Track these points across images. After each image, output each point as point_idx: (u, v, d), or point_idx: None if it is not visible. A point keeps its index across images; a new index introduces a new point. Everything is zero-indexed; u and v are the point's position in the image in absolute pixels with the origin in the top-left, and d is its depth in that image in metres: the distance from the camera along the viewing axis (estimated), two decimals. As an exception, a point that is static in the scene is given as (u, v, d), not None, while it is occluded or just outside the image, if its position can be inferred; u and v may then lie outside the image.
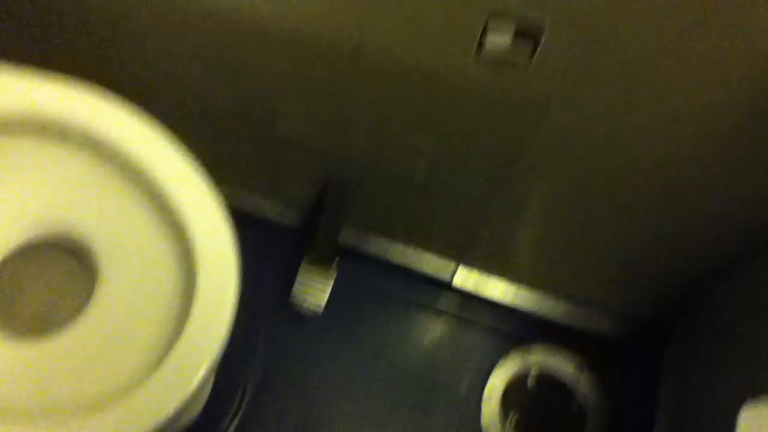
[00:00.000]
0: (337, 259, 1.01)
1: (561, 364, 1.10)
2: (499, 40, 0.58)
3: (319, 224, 0.99)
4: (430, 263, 1.06)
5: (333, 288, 1.01)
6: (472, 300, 1.09)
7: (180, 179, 0.73)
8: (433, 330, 1.11)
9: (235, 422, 1.01)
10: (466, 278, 1.06)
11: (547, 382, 1.09)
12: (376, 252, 1.06)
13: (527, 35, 0.58)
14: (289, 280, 1.01)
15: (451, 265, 1.06)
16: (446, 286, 1.07)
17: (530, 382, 1.09)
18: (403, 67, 0.67)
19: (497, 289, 1.06)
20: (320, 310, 1.00)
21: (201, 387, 0.65)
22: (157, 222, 0.79)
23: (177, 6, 0.71)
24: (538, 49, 0.59)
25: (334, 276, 1.01)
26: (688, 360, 0.92)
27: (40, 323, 0.83)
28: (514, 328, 1.11)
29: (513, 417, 1.06)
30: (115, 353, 0.76)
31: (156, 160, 0.73)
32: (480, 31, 0.59)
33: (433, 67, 0.66)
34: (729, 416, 0.65)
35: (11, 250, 0.83)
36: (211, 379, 0.79)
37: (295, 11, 0.66)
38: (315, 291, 0.99)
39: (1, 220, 0.81)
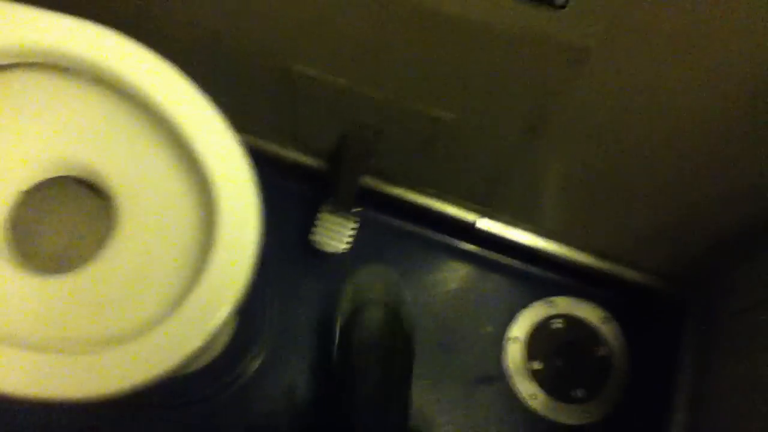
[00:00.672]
0: (357, 207, 0.99)
1: (586, 312, 1.09)
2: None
3: (339, 171, 0.97)
4: (455, 208, 1.04)
5: (353, 229, 1.00)
6: (497, 245, 1.07)
7: (197, 117, 0.71)
8: (457, 273, 1.10)
9: (256, 363, 1.03)
10: (491, 224, 1.04)
11: (572, 328, 1.08)
12: (398, 196, 1.04)
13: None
14: (308, 224, 1.00)
15: (477, 210, 1.03)
16: (471, 230, 1.05)
17: (555, 327, 1.08)
18: (429, 11, 0.63)
19: (524, 236, 1.04)
20: (338, 252, 0.98)
21: (223, 326, 0.64)
22: (175, 160, 0.78)
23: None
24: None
25: (354, 223, 0.99)
26: (713, 316, 0.90)
27: (59, 259, 0.85)
28: (540, 275, 1.10)
29: (536, 360, 1.06)
30: (135, 291, 0.77)
31: (173, 99, 0.71)
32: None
33: (465, 9, 0.62)
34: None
35: (30, 185, 0.84)
36: (234, 319, 0.80)
37: None
38: (334, 236, 0.97)
39: (19, 155, 0.82)
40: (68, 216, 0.88)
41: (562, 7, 0.56)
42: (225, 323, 0.64)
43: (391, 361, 0.92)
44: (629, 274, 1.03)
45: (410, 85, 0.78)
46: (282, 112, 0.94)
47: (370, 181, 1.02)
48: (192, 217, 0.77)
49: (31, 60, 0.73)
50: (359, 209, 0.99)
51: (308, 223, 0.99)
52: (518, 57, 0.65)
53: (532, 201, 0.96)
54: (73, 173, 0.86)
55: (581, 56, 0.61)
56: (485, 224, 1.03)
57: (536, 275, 1.10)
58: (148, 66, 0.71)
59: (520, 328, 1.08)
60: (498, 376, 1.05)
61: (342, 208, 0.98)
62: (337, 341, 0.93)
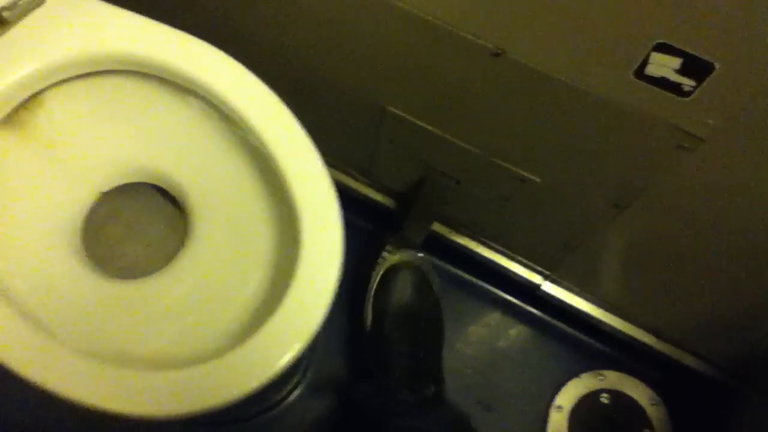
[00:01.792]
0: (422, 251, 0.98)
1: (636, 391, 1.05)
2: (661, 70, 0.53)
3: (409, 212, 0.96)
4: (519, 267, 1.02)
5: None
6: (554, 309, 1.05)
7: (290, 144, 0.70)
8: (508, 331, 1.08)
9: (301, 387, 1.01)
10: (553, 288, 1.02)
11: (619, 405, 1.05)
12: (463, 245, 1.03)
13: (693, 71, 0.52)
14: (367, 257, 0.99)
15: (541, 273, 1.01)
16: (532, 291, 1.03)
17: (602, 401, 1.05)
18: (543, 75, 0.62)
19: (584, 305, 1.02)
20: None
21: (294, 360, 0.63)
22: (259, 181, 0.78)
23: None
24: (702, 86, 0.53)
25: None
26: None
27: (127, 265, 0.85)
28: (593, 346, 1.07)
29: None
30: (204, 306, 0.76)
31: (265, 120, 0.71)
32: (643, 58, 0.54)
33: (577, 81, 0.61)
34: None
35: (111, 187, 0.85)
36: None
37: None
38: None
39: (105, 156, 0.83)
40: (140, 222, 0.89)
41: (687, 95, 0.55)
42: (297, 357, 0.63)
43: (422, 323, 0.92)
44: (686, 358, 1.00)
45: (503, 143, 0.77)
46: (362, 145, 0.94)
47: (436, 227, 1.01)
48: (270, 240, 0.77)
49: (126, 68, 0.73)
50: (422, 253, 0.98)
51: (367, 257, 0.99)
52: (625, 134, 0.64)
53: (600, 272, 0.94)
54: (152, 180, 0.87)
55: (693, 144, 0.60)
56: (547, 287, 1.02)
57: (589, 345, 1.07)
58: (241, 82, 0.72)
59: (566, 397, 1.05)
60: (537, 444, 1.02)
61: (408, 249, 0.97)
62: (370, 309, 0.93)
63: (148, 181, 0.87)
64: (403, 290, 0.92)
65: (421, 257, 0.95)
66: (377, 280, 0.94)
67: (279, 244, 0.77)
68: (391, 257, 0.94)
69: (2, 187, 0.73)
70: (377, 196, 1.04)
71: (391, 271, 0.93)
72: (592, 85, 0.60)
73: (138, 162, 0.84)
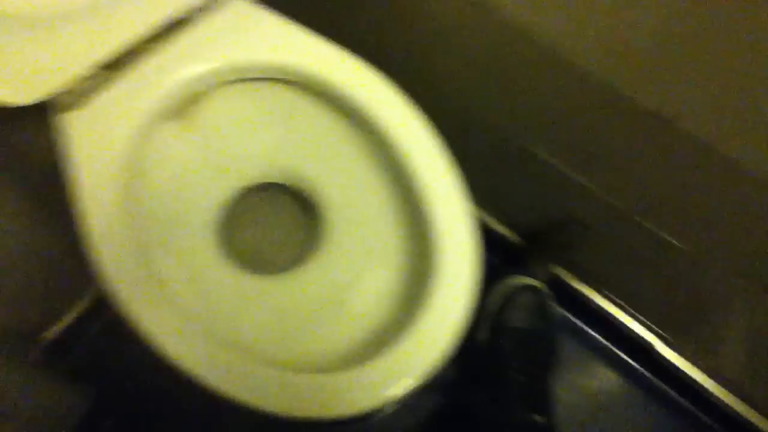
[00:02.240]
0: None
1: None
2: None
3: (535, 251, 0.95)
4: (638, 326, 0.99)
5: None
6: (665, 373, 1.01)
7: (429, 161, 0.70)
8: (611, 385, 1.05)
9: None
10: (669, 353, 0.98)
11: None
12: (581, 293, 1.00)
13: None
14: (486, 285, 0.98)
15: (659, 336, 0.98)
16: (645, 352, 1.00)
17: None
18: (720, 155, 0.60)
19: (697, 375, 0.97)
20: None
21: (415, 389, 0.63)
22: (395, 197, 0.79)
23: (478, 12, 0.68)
24: None
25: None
26: None
27: (264, 261, 0.88)
28: (701, 420, 1.02)
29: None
30: (328, 310, 0.78)
31: (408, 139, 0.71)
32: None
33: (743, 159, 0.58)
34: None
35: (252, 184, 0.88)
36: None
37: (602, 52, 0.60)
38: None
39: (251, 154, 0.85)
40: (274, 221, 0.91)
41: None
42: (418, 386, 0.63)
43: (539, 344, 0.92)
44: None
45: (654, 206, 0.74)
46: (497, 177, 0.93)
47: (557, 269, 0.99)
48: (400, 257, 0.77)
49: (280, 76, 0.76)
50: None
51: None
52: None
53: (725, 347, 0.89)
54: (289, 182, 0.89)
55: None
56: (662, 350, 0.98)
57: (697, 417, 1.02)
58: (388, 99, 0.72)
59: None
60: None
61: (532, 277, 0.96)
62: (488, 322, 0.93)
63: (285, 182, 0.89)
64: (524, 310, 0.92)
65: (545, 286, 0.94)
66: (500, 295, 0.94)
67: (409, 263, 0.77)
68: (516, 278, 0.93)
69: (163, 171, 0.77)
70: (499, 227, 1.02)
71: (515, 291, 0.93)
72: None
73: (278, 163, 0.87)
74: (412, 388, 0.63)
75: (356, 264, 0.81)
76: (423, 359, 0.64)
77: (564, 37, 0.62)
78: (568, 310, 1.06)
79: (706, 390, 0.97)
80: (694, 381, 0.97)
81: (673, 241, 0.76)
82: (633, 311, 0.98)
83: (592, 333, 1.06)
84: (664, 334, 0.97)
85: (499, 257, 1.06)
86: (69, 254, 0.86)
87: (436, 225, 0.68)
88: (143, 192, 0.73)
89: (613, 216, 0.79)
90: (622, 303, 0.98)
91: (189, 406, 0.95)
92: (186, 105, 0.75)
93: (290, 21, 0.73)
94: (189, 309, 0.64)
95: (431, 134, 0.70)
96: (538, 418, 0.88)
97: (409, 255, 0.77)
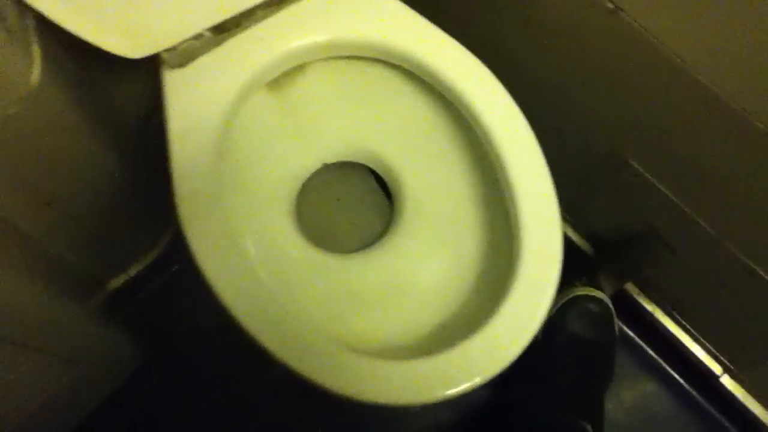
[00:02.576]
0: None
1: None
2: None
3: (609, 263, 0.93)
4: (702, 352, 0.96)
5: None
6: (725, 407, 0.98)
7: (522, 157, 0.68)
8: (669, 410, 1.02)
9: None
10: (732, 384, 0.95)
11: None
12: (649, 311, 0.98)
13: None
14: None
15: (724, 365, 0.95)
16: (707, 380, 0.97)
17: None
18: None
19: (760, 412, 0.94)
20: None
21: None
22: (479, 189, 0.78)
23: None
24: None
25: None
26: None
27: (336, 238, 0.88)
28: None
29: None
30: (400, 295, 0.78)
31: (504, 133, 0.69)
32: None
33: None
34: None
35: (334, 160, 0.88)
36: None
37: (720, 64, 0.58)
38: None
39: (338, 131, 0.85)
40: (349, 200, 0.91)
41: None
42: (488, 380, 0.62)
43: (596, 356, 0.90)
44: None
45: (746, 232, 0.72)
46: (582, 184, 0.91)
47: (630, 286, 0.97)
48: (477, 249, 0.76)
49: (381, 57, 0.74)
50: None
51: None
52: None
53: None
54: (371, 163, 0.89)
55: None
56: (726, 381, 0.95)
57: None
58: (489, 91, 0.70)
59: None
60: None
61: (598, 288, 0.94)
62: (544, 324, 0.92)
63: (367, 163, 0.89)
64: (585, 318, 0.90)
65: (609, 299, 0.92)
66: (562, 300, 0.92)
67: (486, 258, 0.76)
68: (581, 287, 0.92)
69: (251, 138, 0.77)
70: (574, 235, 1.01)
71: (578, 299, 0.91)
72: None
73: (364, 143, 0.86)
74: (476, 386, 0.62)
75: (429, 252, 0.80)
76: (495, 358, 0.62)
77: (682, 44, 0.61)
78: (630, 324, 1.04)
79: (765, 427, 0.94)
80: (757, 417, 0.94)
81: (761, 272, 0.74)
82: (700, 336, 0.95)
83: (652, 352, 1.04)
84: (729, 364, 0.94)
85: (566, 261, 1.04)
86: (144, 208, 0.87)
87: (523, 223, 0.66)
88: (231, 156, 0.73)
89: (701, 239, 0.77)
90: (689, 326, 0.95)
91: (235, 371, 0.96)
92: (283, 76, 0.75)
93: (405, 4, 0.72)
94: (261, 277, 0.64)
95: (530, 133, 0.69)
96: (585, 424, 0.86)
97: (486, 249, 0.76)
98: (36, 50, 0.58)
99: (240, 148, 0.76)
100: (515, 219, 0.67)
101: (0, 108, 0.55)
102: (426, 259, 0.80)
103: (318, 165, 0.87)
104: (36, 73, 0.58)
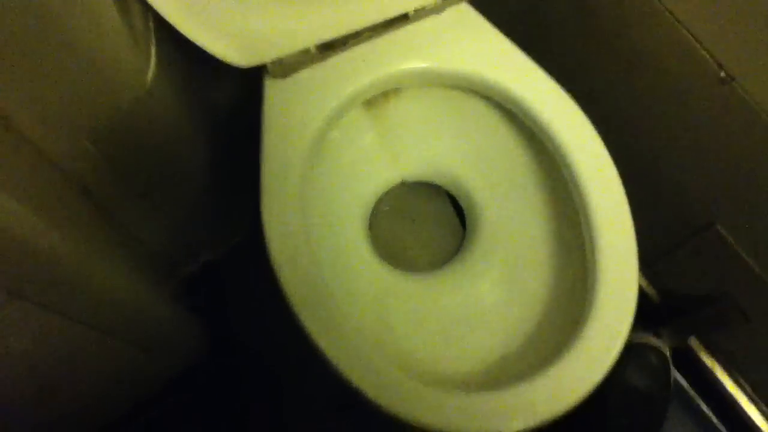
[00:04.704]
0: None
1: None
2: None
3: (678, 316, 0.91)
4: (759, 415, 0.94)
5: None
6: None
7: (604, 196, 0.68)
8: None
9: None
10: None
11: None
12: (709, 370, 0.96)
13: None
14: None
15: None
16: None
17: None
18: None
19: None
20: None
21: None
22: (557, 222, 0.78)
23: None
24: None
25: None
26: None
27: (407, 258, 0.89)
28: None
29: None
30: (470, 319, 0.78)
31: (590, 176, 0.69)
32: None
33: None
34: None
35: (411, 179, 0.88)
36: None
37: None
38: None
39: (419, 153, 0.86)
40: (423, 221, 0.92)
41: None
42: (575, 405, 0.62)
43: (649, 409, 0.89)
44: None
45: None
46: (661, 237, 0.89)
47: (693, 340, 0.95)
48: (554, 279, 0.76)
49: (474, 88, 0.75)
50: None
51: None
52: None
53: None
54: (448, 187, 0.90)
55: None
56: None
57: None
58: (578, 130, 0.70)
59: None
60: None
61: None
62: None
63: (446, 185, 0.90)
64: (644, 371, 0.89)
65: (668, 351, 0.91)
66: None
67: (556, 294, 0.75)
68: (644, 336, 0.90)
69: (341, 154, 0.79)
70: (642, 281, 0.99)
71: (638, 348, 0.90)
72: None
73: (446, 167, 0.87)
74: (533, 427, 0.62)
75: (498, 282, 0.80)
76: (558, 401, 0.62)
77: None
78: (685, 376, 1.02)
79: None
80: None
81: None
82: (761, 402, 0.93)
83: (705, 408, 1.01)
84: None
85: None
86: (231, 200, 0.90)
87: (600, 270, 0.66)
88: (318, 165, 0.75)
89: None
90: (755, 395, 0.93)
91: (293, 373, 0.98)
92: (379, 95, 0.76)
93: (508, 39, 0.72)
94: (331, 287, 0.65)
95: (618, 182, 0.68)
96: None
97: (557, 288, 0.75)
98: (153, 51, 0.61)
99: (328, 158, 0.77)
100: (592, 264, 0.66)
101: (115, 103, 0.58)
102: (493, 289, 0.81)
103: (397, 181, 0.88)
104: (151, 74, 0.60)
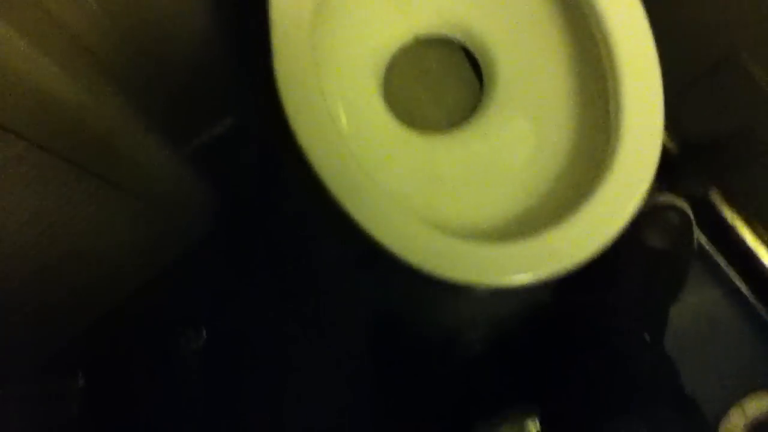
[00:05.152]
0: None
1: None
2: None
3: (696, 163, 0.90)
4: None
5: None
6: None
7: (627, 31, 0.65)
8: (731, 320, 1.02)
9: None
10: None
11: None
12: (729, 223, 0.95)
13: None
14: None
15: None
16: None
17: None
18: None
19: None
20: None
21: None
22: (577, 67, 0.75)
23: None
24: None
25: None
26: None
27: (422, 116, 0.87)
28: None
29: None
30: (494, 174, 0.78)
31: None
32: None
33: None
34: None
35: (424, 34, 0.85)
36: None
37: None
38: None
39: (430, 3, 0.82)
40: (438, 77, 0.89)
41: None
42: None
43: (669, 268, 0.90)
44: None
45: None
46: (678, 73, 0.85)
47: (713, 195, 0.94)
48: (576, 125, 0.75)
49: None
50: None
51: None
52: None
53: None
54: (463, 40, 0.86)
55: None
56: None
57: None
58: None
59: (755, 405, 1.00)
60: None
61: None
62: None
63: (461, 39, 0.86)
64: (665, 231, 0.88)
65: (689, 209, 0.90)
66: (642, 209, 0.91)
67: (578, 144, 0.74)
68: (663, 195, 0.90)
69: (345, 7, 0.75)
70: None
71: (658, 209, 0.89)
72: None
73: (460, 18, 0.84)
74: (571, 268, 0.62)
75: (517, 136, 0.79)
76: (578, 249, 0.62)
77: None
78: (704, 231, 1.02)
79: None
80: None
81: None
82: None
83: (723, 262, 1.02)
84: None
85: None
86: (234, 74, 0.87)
87: (624, 115, 0.64)
88: (327, 25, 0.72)
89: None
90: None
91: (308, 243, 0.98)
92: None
93: None
94: (353, 148, 0.64)
95: (645, 19, 0.65)
96: (642, 333, 0.86)
97: (580, 138, 0.74)
98: None
99: (336, 17, 0.74)
100: (616, 112, 0.65)
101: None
102: (513, 142, 0.79)
103: (410, 37, 0.84)
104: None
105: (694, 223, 0.90)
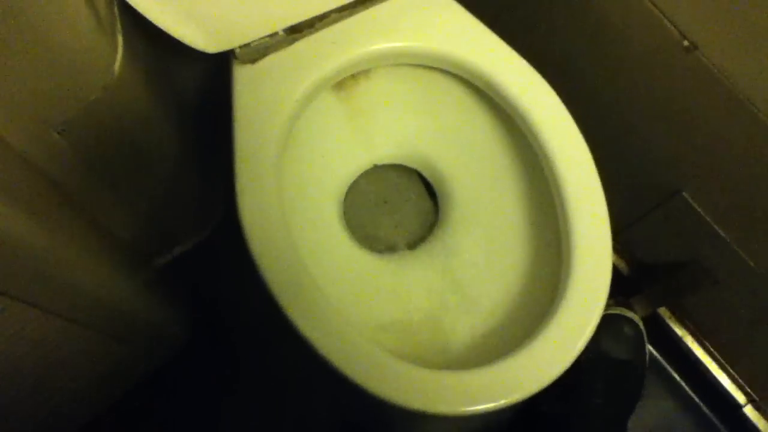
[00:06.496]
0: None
1: None
2: None
3: (647, 286, 0.93)
4: (727, 380, 0.97)
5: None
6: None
7: (575, 167, 0.69)
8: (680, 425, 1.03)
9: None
10: (754, 415, 0.96)
11: None
12: (678, 336, 0.99)
13: None
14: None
15: (749, 395, 0.96)
16: (730, 409, 0.98)
17: None
18: None
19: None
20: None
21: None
22: (530, 202, 0.78)
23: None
24: None
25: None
26: None
27: (380, 239, 0.89)
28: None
29: None
30: (449, 297, 0.79)
31: (562, 152, 0.69)
32: None
33: None
34: None
35: (382, 162, 0.89)
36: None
37: None
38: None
39: (391, 135, 0.87)
40: (395, 202, 0.92)
41: None
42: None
43: (626, 379, 0.90)
44: None
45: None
46: (629, 206, 0.90)
47: (663, 310, 0.98)
48: (529, 253, 0.77)
49: (443, 67, 0.75)
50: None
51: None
52: None
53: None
54: (420, 168, 0.90)
55: None
56: (749, 412, 0.96)
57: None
58: (550, 109, 0.71)
59: None
60: None
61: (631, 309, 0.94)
62: None
63: (417, 167, 0.90)
64: (618, 339, 0.90)
65: (641, 322, 0.93)
66: None
67: (533, 271, 0.76)
68: (615, 307, 0.92)
69: (312, 137, 0.79)
70: (613, 255, 1.01)
71: (611, 318, 0.91)
72: None
73: (417, 148, 0.88)
74: (512, 403, 0.63)
75: (471, 263, 0.81)
76: (535, 378, 0.63)
77: (755, 89, 0.61)
78: (657, 347, 1.04)
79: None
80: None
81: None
82: (727, 365, 0.96)
83: (677, 376, 1.04)
84: (754, 394, 0.95)
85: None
86: (203, 188, 0.89)
87: (574, 243, 0.67)
88: (291, 150, 0.74)
89: (747, 274, 0.77)
90: (718, 354, 0.96)
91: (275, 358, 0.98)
92: (348, 78, 0.76)
93: (475, 18, 0.72)
94: (308, 266, 0.65)
95: (587, 152, 0.69)
96: None
97: (534, 265, 0.76)
98: (120, 39, 0.60)
99: (300, 143, 0.77)
100: (567, 238, 0.68)
101: (83, 94, 0.57)
102: (468, 265, 0.81)
103: (369, 165, 0.88)
104: (118, 62, 0.59)
105: (645, 334, 0.93)
